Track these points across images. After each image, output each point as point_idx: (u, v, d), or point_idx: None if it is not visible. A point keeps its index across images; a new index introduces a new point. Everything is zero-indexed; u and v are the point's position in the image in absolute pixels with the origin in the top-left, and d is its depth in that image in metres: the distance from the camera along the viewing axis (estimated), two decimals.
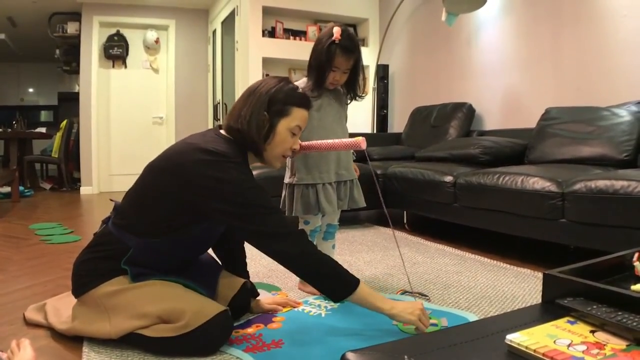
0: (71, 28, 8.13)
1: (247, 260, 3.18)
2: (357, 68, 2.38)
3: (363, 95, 2.52)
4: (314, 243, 2.49)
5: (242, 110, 1.87)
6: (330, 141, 2.12)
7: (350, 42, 2.29)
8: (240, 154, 1.85)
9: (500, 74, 4.90)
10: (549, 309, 1.33)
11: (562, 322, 1.24)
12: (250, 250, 3.41)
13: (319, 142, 2.13)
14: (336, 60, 2.28)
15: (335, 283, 1.79)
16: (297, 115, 1.91)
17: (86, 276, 1.83)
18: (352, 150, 2.50)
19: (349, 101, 2.51)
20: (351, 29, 2.38)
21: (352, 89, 2.45)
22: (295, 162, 2.39)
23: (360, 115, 6.34)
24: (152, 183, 1.83)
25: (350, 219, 4.60)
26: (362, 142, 2.01)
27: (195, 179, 1.71)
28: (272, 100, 1.86)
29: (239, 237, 2.18)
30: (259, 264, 3.06)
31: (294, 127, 1.91)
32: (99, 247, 1.86)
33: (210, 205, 1.73)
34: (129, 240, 1.80)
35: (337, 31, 2.26)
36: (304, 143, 2.11)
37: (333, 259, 1.83)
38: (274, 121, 1.87)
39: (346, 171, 2.44)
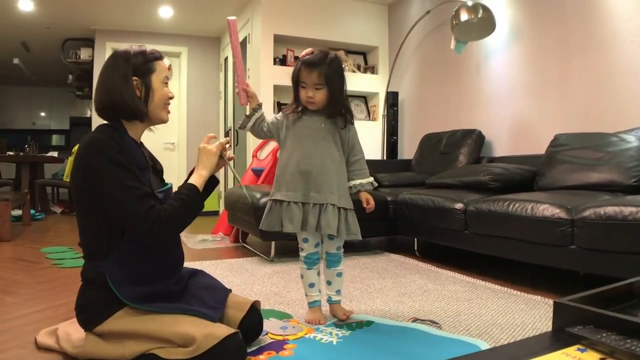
0: (84, 54, 8.29)
1: (257, 287, 3.19)
2: (330, 85, 2.36)
3: (346, 115, 2.46)
4: (318, 270, 2.53)
5: (108, 86, 1.93)
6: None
7: (314, 57, 2.35)
8: (114, 134, 1.90)
9: (509, 101, 4.94)
10: (559, 337, 1.34)
11: (572, 350, 1.25)
12: (259, 277, 3.43)
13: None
14: (301, 76, 2.36)
15: (194, 210, 1.97)
16: (161, 67, 2.01)
17: (87, 313, 1.86)
18: (345, 175, 2.49)
19: (342, 125, 2.45)
20: (334, 53, 2.43)
21: (330, 105, 2.40)
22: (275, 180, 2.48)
23: (370, 142, 6.35)
24: (75, 199, 1.91)
25: (359, 246, 4.60)
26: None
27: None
28: (135, 65, 1.94)
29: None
30: (270, 291, 3.08)
31: (164, 77, 2.01)
32: (87, 283, 1.89)
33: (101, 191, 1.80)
34: (99, 268, 1.83)
35: (306, 51, 2.39)
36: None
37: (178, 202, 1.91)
38: (146, 81, 1.96)
39: (317, 194, 2.38)
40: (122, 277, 1.83)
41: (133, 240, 1.85)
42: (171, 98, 2.06)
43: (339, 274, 2.52)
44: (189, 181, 2.02)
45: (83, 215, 1.88)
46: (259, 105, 2.56)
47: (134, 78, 1.93)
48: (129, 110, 1.93)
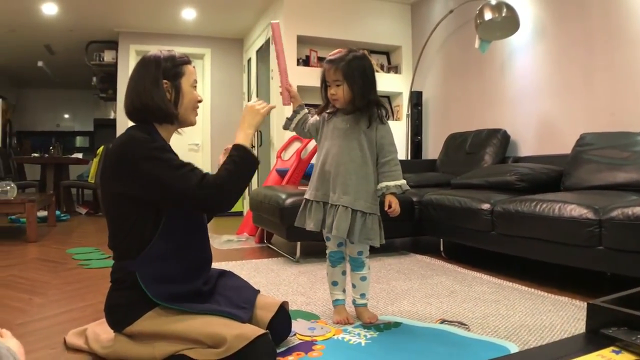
0: (108, 56, 8.40)
1: (284, 288, 3.19)
2: (348, 81, 2.32)
3: (372, 113, 2.39)
4: (343, 270, 2.54)
5: (139, 89, 1.96)
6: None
7: (335, 55, 2.38)
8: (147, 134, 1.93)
9: (534, 100, 4.90)
10: (593, 339, 1.33)
11: (607, 352, 1.24)
12: (285, 277, 3.44)
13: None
14: (325, 74, 2.39)
15: (248, 169, 1.99)
16: (189, 71, 2.06)
17: (117, 314, 1.89)
18: (373, 180, 2.41)
19: (367, 124, 2.38)
20: (361, 52, 2.44)
21: (352, 102, 2.36)
22: None
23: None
24: (106, 199, 1.93)
25: (385, 247, 4.58)
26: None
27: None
28: (165, 69, 1.98)
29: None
30: (296, 292, 3.09)
31: (193, 81, 2.07)
32: (116, 284, 1.92)
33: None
34: (130, 267, 1.85)
35: (334, 51, 2.41)
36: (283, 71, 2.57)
37: (226, 173, 1.91)
38: (176, 84, 2.00)
39: (333, 194, 2.36)
40: (153, 275, 1.85)
41: (164, 238, 1.88)
42: (200, 101, 2.10)
43: (363, 278, 2.49)
44: (235, 142, 2.04)
45: (115, 214, 1.91)
46: (301, 107, 2.61)
47: (165, 81, 1.96)
48: (160, 113, 1.96)
